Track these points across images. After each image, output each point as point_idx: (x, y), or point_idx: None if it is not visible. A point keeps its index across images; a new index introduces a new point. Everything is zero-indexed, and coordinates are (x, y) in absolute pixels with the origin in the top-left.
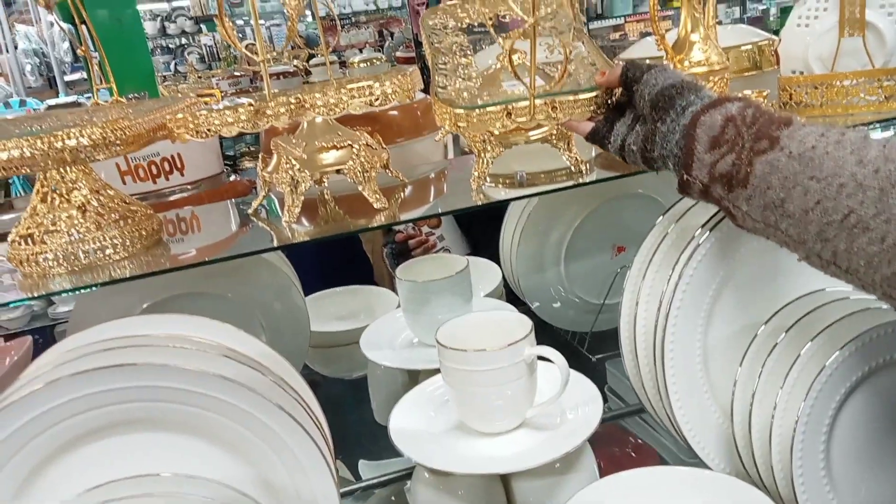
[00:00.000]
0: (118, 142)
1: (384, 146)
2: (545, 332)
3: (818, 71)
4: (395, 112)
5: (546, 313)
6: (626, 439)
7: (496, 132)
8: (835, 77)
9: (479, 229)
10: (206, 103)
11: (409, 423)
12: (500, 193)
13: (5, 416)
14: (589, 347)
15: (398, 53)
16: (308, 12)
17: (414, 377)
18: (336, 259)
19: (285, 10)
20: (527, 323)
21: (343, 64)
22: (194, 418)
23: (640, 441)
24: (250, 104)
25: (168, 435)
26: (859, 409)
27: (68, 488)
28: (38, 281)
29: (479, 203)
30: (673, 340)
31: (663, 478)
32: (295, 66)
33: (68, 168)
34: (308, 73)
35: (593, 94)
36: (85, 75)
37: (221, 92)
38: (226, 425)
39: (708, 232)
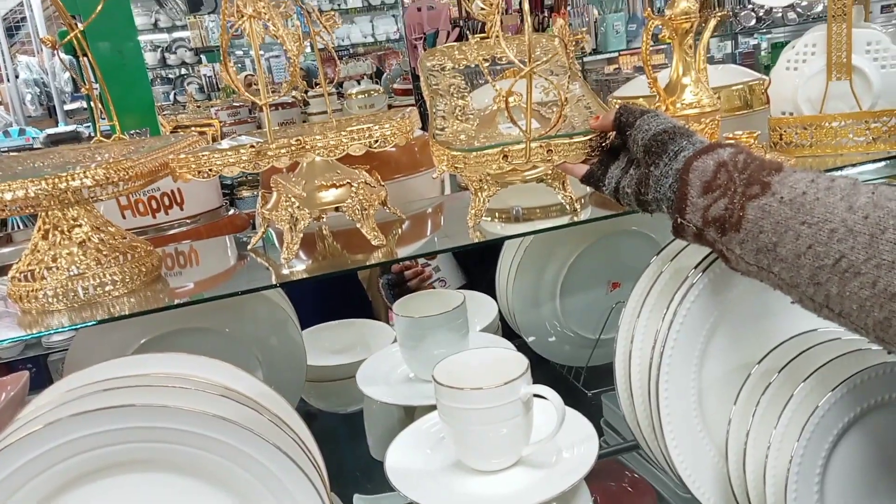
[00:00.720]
0: (121, 182)
1: (382, 183)
2: (541, 367)
3: (807, 112)
4: (393, 149)
5: (542, 348)
6: (622, 474)
7: (492, 173)
8: (823, 119)
9: (475, 262)
10: (207, 142)
11: (406, 460)
12: (497, 229)
13: (4, 456)
14: (585, 382)
15: (395, 85)
16: (308, 45)
17: (410, 413)
18: (333, 292)
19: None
20: (523, 361)
21: (341, 95)
22: (193, 459)
23: (636, 476)
24: (252, 146)
25: (167, 475)
26: (852, 450)
27: None
28: (37, 317)
29: (476, 241)
30: (668, 379)
31: None
32: (293, 97)
33: (70, 206)
34: (307, 103)
35: (588, 137)
36: (84, 104)
37: (220, 122)
38: (224, 466)
39: (701, 273)
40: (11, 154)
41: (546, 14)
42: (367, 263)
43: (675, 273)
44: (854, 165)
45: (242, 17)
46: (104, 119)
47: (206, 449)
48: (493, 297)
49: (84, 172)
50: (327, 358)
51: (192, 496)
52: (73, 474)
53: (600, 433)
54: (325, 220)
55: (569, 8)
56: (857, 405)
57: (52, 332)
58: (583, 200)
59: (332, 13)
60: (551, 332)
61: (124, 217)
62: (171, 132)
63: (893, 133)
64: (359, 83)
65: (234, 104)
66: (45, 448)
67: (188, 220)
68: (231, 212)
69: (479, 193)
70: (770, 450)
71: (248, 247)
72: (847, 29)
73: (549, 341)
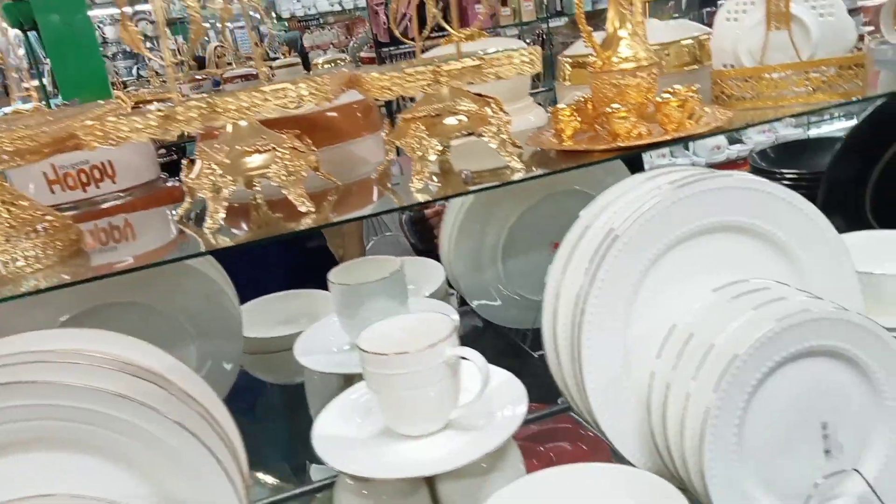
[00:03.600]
0: (23, 152)
1: (313, 148)
2: (489, 332)
3: (748, 64)
4: (333, 113)
5: (488, 312)
6: (578, 433)
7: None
8: (763, 70)
9: None
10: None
11: (333, 430)
12: (431, 194)
13: None
14: (532, 344)
15: (362, 54)
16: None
17: (350, 382)
18: (301, 259)
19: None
20: (449, 324)
21: (307, 66)
22: (88, 436)
23: (590, 434)
24: (159, 110)
25: (63, 454)
26: (772, 399)
27: None
28: None
29: (405, 204)
30: (590, 337)
31: (578, 475)
32: (257, 70)
33: None
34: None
35: None
36: (37, 83)
37: (183, 96)
38: (121, 442)
39: (629, 225)
40: None
41: None
42: (297, 230)
43: (601, 228)
44: (795, 116)
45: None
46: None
47: (101, 425)
48: None
49: None
50: (271, 329)
51: (92, 475)
52: None
53: (558, 394)
54: (258, 188)
55: None
56: (777, 354)
57: None
58: (524, 161)
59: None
60: (496, 296)
61: (53, 192)
62: (133, 107)
63: (833, 83)
64: (325, 53)
65: (197, 77)
66: None
67: (122, 193)
68: (170, 183)
69: (415, 152)
70: (689, 401)
71: (175, 218)
72: None
73: (495, 305)
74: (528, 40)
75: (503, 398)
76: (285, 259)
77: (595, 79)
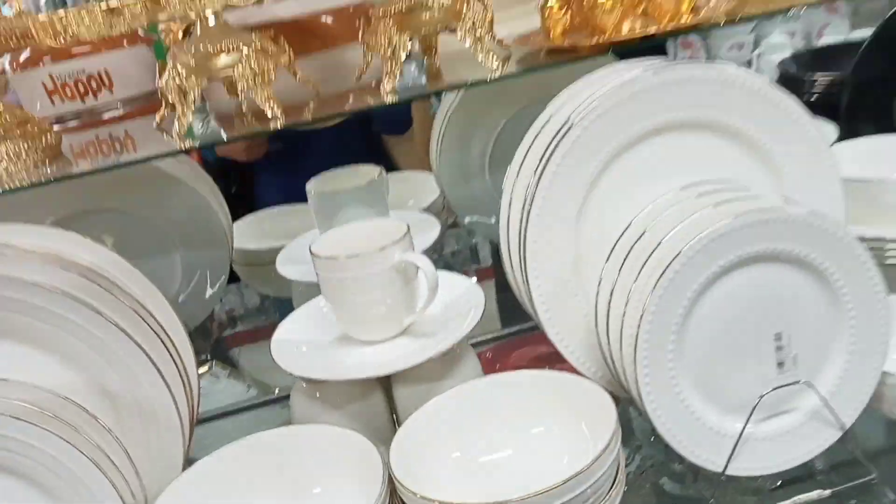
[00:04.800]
0: None
1: (287, 49)
2: (483, 248)
3: None
4: (328, 18)
5: (482, 229)
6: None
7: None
8: None
9: None
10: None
11: (291, 336)
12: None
13: None
14: None
15: None
16: None
17: None
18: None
19: None
20: (402, 228)
21: None
22: (20, 326)
23: None
24: (106, 6)
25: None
26: (715, 307)
27: None
28: None
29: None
30: (535, 239)
31: (518, 381)
32: None
33: None
34: None
35: None
36: None
37: None
38: (51, 332)
39: (585, 115)
40: None
41: None
42: (264, 131)
43: (559, 120)
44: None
45: None
46: None
47: (33, 316)
48: None
49: None
50: (264, 242)
51: (28, 363)
52: None
53: None
54: (242, 97)
55: None
56: (728, 254)
57: None
58: (508, 62)
59: None
60: (486, 210)
61: (53, 103)
62: None
63: None
64: None
65: None
66: None
67: (120, 104)
68: None
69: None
70: (627, 306)
71: (154, 124)
72: None
73: (489, 222)
74: None
75: (462, 305)
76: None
77: None
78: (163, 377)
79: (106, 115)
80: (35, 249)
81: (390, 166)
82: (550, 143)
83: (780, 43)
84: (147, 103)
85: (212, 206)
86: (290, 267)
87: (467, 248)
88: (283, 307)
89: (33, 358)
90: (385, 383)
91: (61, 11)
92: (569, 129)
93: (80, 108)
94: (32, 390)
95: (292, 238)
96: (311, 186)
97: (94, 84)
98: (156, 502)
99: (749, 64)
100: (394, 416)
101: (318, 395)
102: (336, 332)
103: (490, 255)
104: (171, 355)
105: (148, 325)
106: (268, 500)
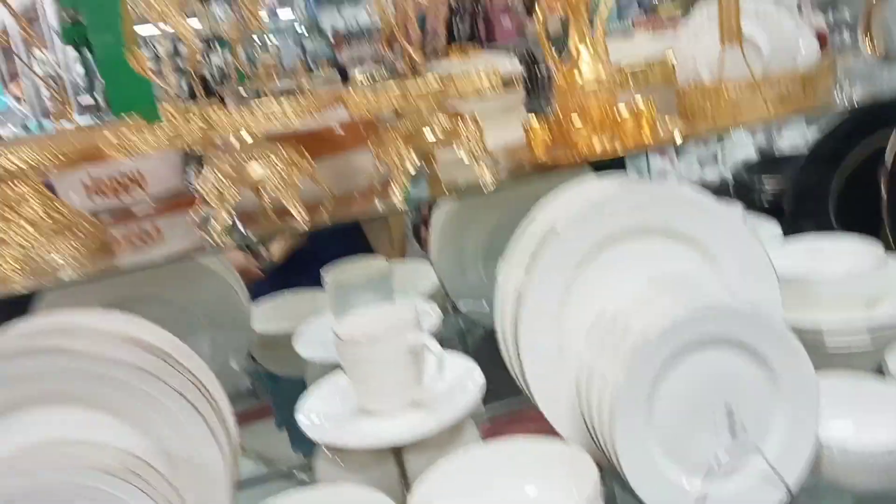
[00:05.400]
0: (51, 161)
1: (310, 161)
2: (476, 329)
3: (707, 80)
4: (339, 128)
5: (477, 315)
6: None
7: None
8: (720, 86)
9: None
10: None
11: (315, 408)
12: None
13: None
14: None
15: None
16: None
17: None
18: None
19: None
20: (413, 314)
21: (345, 78)
22: (101, 395)
23: None
24: (167, 127)
25: (79, 409)
26: (679, 380)
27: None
28: None
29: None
30: (527, 328)
31: (511, 448)
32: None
33: (15, 185)
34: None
35: None
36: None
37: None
38: (128, 402)
39: (565, 221)
40: None
41: None
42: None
43: (543, 224)
44: (752, 131)
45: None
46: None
47: (112, 387)
48: None
49: (14, 155)
50: (279, 325)
51: (103, 427)
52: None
53: None
54: (266, 198)
55: None
56: (685, 338)
57: (6, 297)
58: (499, 173)
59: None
60: (478, 296)
61: (91, 200)
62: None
63: (784, 98)
64: (362, 65)
65: (243, 93)
66: None
67: (151, 201)
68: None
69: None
70: (605, 380)
71: (192, 221)
72: None
73: (479, 307)
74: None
75: (463, 382)
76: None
77: (559, 96)
78: (217, 442)
79: (138, 211)
80: (111, 331)
81: (367, 247)
82: (538, 243)
83: (742, 140)
84: (174, 200)
85: (237, 291)
86: (305, 347)
87: (463, 330)
88: (295, 385)
89: (110, 423)
90: (396, 449)
91: (124, 129)
92: (551, 233)
93: (115, 204)
94: (114, 450)
95: (300, 321)
96: (328, 276)
97: (128, 183)
98: None
99: (715, 157)
100: (404, 478)
101: (339, 462)
102: (353, 404)
103: (482, 337)
104: (221, 423)
105: (203, 395)
106: None
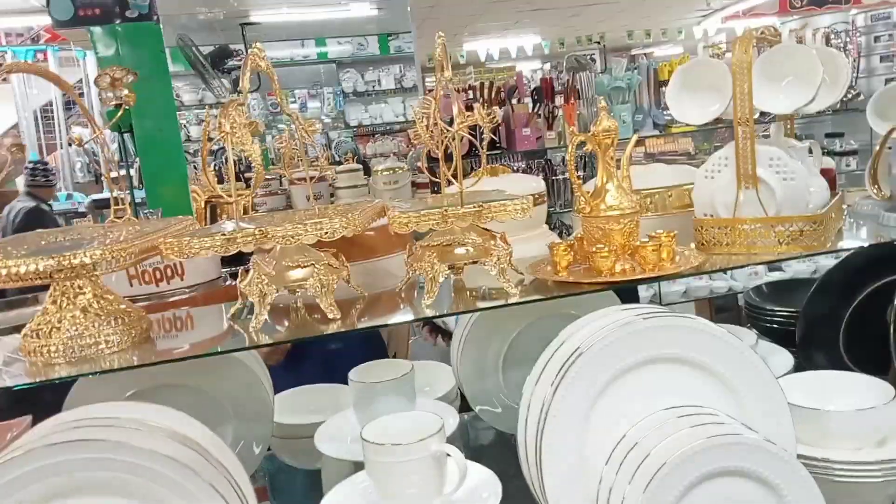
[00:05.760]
0: (116, 260)
1: (345, 264)
2: (491, 434)
3: (724, 215)
4: (371, 233)
5: (489, 417)
6: None
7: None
8: (736, 222)
9: None
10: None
11: None
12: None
13: None
14: None
15: (419, 163)
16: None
17: (360, 468)
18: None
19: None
20: (438, 422)
21: (368, 171)
22: (139, 486)
23: None
24: (223, 234)
25: (116, 499)
26: None
27: None
28: (42, 368)
29: (416, 317)
30: (550, 443)
31: None
32: (322, 174)
33: (76, 278)
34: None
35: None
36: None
37: (253, 194)
38: (164, 493)
39: (591, 345)
40: (40, 232)
41: (555, 104)
42: (325, 332)
43: (570, 346)
44: (767, 263)
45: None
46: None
47: (153, 480)
48: None
49: (85, 253)
50: (298, 417)
51: None
52: (47, 493)
53: None
54: (298, 294)
55: (578, 99)
56: (702, 467)
57: (53, 381)
58: (524, 286)
59: (313, 121)
60: (496, 403)
61: (132, 285)
62: (206, 202)
63: (796, 237)
64: (386, 160)
65: (267, 177)
66: (23, 470)
67: (188, 290)
68: (229, 283)
69: (430, 276)
70: (623, 502)
71: (227, 315)
72: (751, 145)
73: (495, 411)
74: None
75: (482, 491)
76: (346, 352)
77: (585, 221)
78: None
79: (173, 299)
80: (149, 423)
81: (382, 346)
82: (564, 363)
83: None
84: (209, 290)
85: (263, 383)
86: (326, 444)
87: (478, 435)
88: (310, 477)
89: None
90: None
91: (187, 238)
92: (579, 355)
93: (153, 291)
94: None
95: (319, 415)
96: (353, 376)
97: (169, 272)
98: None
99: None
100: None
101: None
102: None
103: (495, 440)
104: None
105: (233, 488)
106: None
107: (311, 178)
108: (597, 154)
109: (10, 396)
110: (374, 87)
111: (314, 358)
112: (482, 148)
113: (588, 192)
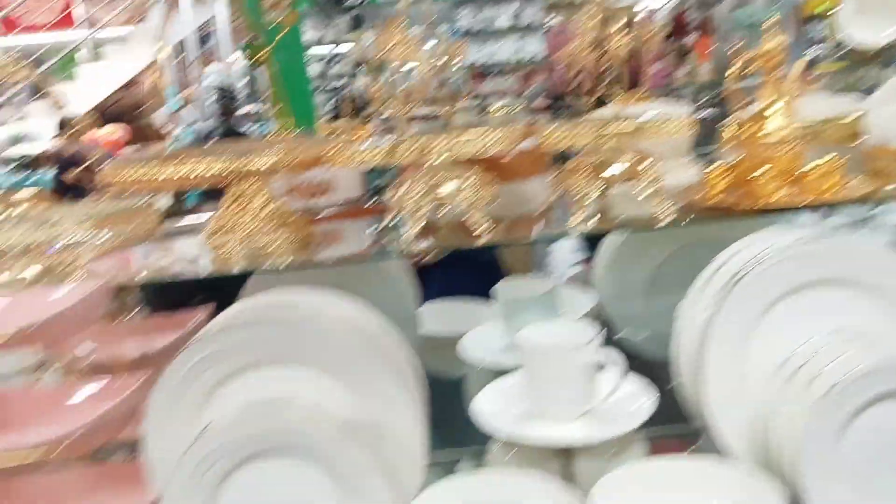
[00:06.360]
0: (287, 166)
1: (493, 183)
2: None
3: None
4: (517, 156)
5: (629, 343)
6: None
7: None
8: None
9: None
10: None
11: (489, 407)
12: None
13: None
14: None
15: (535, 103)
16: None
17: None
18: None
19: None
20: (593, 330)
21: (483, 110)
22: (321, 361)
23: None
24: (391, 143)
25: (300, 372)
26: (866, 429)
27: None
28: (220, 264)
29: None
30: (712, 358)
31: (687, 465)
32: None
33: (251, 182)
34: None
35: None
36: (252, 108)
37: (371, 131)
38: (346, 369)
39: (752, 269)
40: (207, 147)
41: (686, 40)
42: (472, 246)
43: (731, 269)
44: None
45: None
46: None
47: (332, 352)
48: None
49: (260, 157)
50: (442, 328)
51: (325, 392)
52: (238, 365)
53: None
54: (445, 209)
55: (711, 35)
56: (874, 388)
57: (228, 276)
58: (670, 208)
59: (460, 43)
60: (641, 327)
61: (287, 198)
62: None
63: None
64: (501, 99)
65: (382, 116)
66: (221, 343)
67: (336, 205)
68: (373, 200)
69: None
70: (793, 422)
71: (379, 228)
72: None
73: (637, 336)
74: (705, 99)
75: (636, 399)
76: (462, 270)
77: (747, 145)
78: (419, 421)
79: (322, 213)
80: (334, 304)
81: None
82: (726, 284)
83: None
84: (354, 206)
85: (409, 291)
86: (472, 351)
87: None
88: (453, 387)
89: (328, 387)
90: (564, 454)
91: (353, 148)
92: (742, 276)
93: (304, 206)
94: (328, 412)
95: (464, 327)
96: (500, 290)
97: (321, 188)
98: None
99: (863, 221)
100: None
101: (511, 458)
102: (526, 407)
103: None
104: (419, 405)
105: (408, 376)
106: None
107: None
108: (762, 75)
109: (190, 292)
110: (489, 25)
111: (457, 272)
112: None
113: (750, 116)
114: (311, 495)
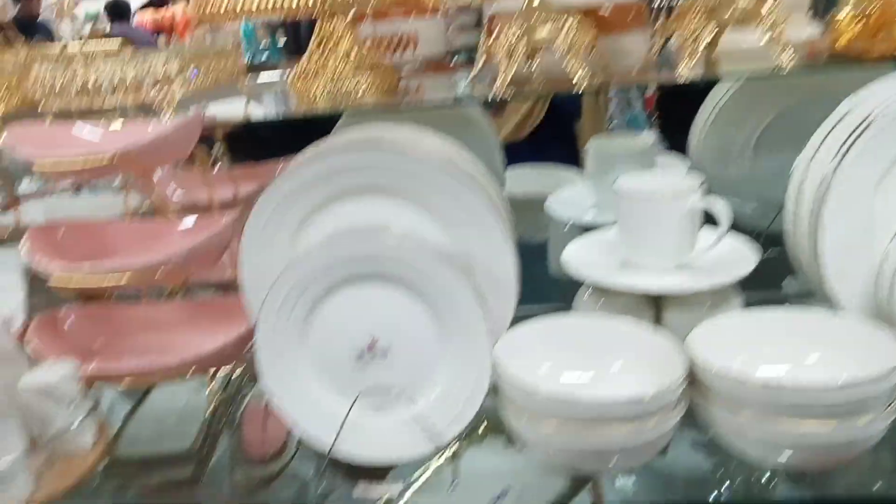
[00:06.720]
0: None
1: (591, 30)
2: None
3: None
4: (615, 8)
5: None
6: None
7: None
8: None
9: None
10: None
11: (580, 255)
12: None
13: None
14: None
15: None
16: None
17: None
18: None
19: None
20: (696, 181)
21: None
22: (411, 190)
23: None
24: None
25: (390, 200)
26: None
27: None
28: (307, 104)
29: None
30: (833, 208)
31: (795, 316)
32: None
33: (339, 22)
34: None
35: None
36: None
37: None
38: (438, 199)
39: (884, 112)
40: None
41: None
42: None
43: (859, 115)
44: None
45: None
46: None
47: (423, 182)
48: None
49: None
50: (527, 189)
51: (418, 222)
52: (334, 192)
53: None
54: (538, 57)
55: None
56: None
57: (317, 117)
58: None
59: None
60: (737, 193)
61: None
62: None
63: None
64: None
65: None
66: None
67: (418, 61)
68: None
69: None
70: None
71: (470, 77)
72: None
73: (735, 202)
74: None
75: (734, 255)
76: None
77: None
78: (511, 256)
79: (406, 69)
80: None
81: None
82: (853, 132)
83: None
84: (436, 62)
85: (495, 144)
86: (559, 208)
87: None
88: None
89: (418, 215)
90: (656, 304)
91: None
92: (870, 122)
93: (389, 61)
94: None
95: (546, 188)
96: (591, 145)
97: (403, 42)
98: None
99: None
100: None
101: (602, 301)
102: (619, 257)
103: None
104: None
105: (500, 210)
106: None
107: None
108: None
109: (274, 143)
110: None
111: (545, 134)
112: None
113: None
114: (405, 321)
